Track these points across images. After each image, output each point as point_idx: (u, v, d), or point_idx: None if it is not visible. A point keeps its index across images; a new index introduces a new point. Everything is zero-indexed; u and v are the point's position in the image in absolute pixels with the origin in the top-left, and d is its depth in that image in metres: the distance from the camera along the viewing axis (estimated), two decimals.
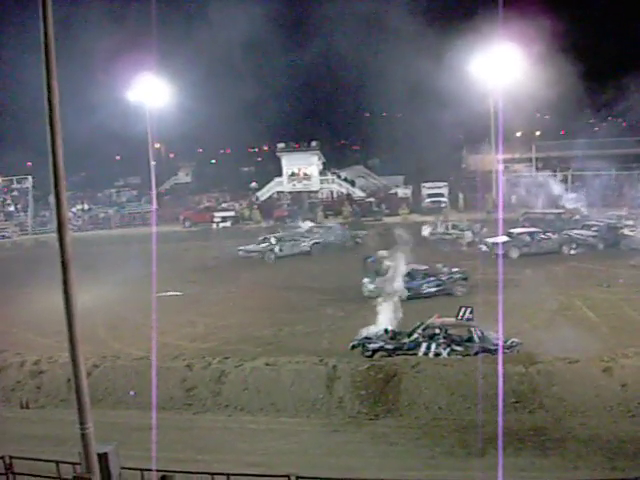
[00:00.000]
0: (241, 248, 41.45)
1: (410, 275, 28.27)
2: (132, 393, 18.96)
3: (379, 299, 24.24)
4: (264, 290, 32.79)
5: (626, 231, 39.12)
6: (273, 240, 41.45)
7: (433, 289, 29.41)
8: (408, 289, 27.34)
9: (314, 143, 61.98)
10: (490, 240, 38.11)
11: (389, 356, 20.23)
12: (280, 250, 40.71)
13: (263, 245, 41.31)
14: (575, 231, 39.97)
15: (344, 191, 59.92)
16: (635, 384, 17.12)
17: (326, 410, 17.55)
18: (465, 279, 30.05)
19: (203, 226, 55.31)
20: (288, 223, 49.77)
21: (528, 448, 15.08)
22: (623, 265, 34.37)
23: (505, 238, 37.42)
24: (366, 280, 29.72)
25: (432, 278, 29.61)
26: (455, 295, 29.11)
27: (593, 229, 40.00)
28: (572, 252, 38.00)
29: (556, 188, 51.18)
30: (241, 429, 17.02)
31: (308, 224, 46.64)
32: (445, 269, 30.64)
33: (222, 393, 18.58)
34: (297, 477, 12.01)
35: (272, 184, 63.70)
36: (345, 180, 61.56)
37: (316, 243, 41.66)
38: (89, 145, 59.59)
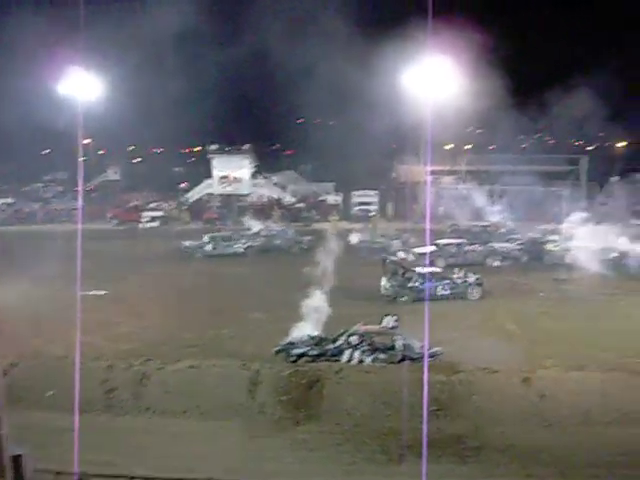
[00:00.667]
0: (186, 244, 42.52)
1: (424, 277, 29.86)
2: (50, 393, 18.46)
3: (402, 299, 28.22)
4: (190, 292, 32.35)
5: (549, 246, 40.20)
6: (206, 238, 41.24)
7: (447, 292, 30.44)
8: (422, 291, 28.82)
9: (246, 146, 61.75)
10: (417, 250, 38.65)
11: (313, 362, 20.23)
12: (213, 249, 40.50)
13: (195, 243, 41.63)
14: (500, 244, 40.88)
15: (275, 196, 59.87)
16: (552, 395, 17.63)
17: (248, 415, 17.45)
18: (480, 284, 31.18)
19: (131, 225, 54.43)
20: (223, 225, 49.60)
21: (447, 455, 15.33)
22: (545, 278, 35.30)
23: (432, 248, 38.00)
24: (384, 280, 30.58)
25: (447, 281, 30.76)
26: (469, 299, 30.44)
27: (518, 242, 41.01)
28: (496, 264, 38.84)
29: (483, 201, 52.24)
30: (162, 432, 16.78)
31: (259, 225, 46.48)
32: (460, 273, 31.82)
33: (143, 395, 18.30)
34: None
35: (202, 186, 63.16)
36: (276, 185, 61.55)
37: (250, 246, 41.39)
38: (16, 137, 57.90)
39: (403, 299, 29.62)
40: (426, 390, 16.91)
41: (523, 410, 17.26)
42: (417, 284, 30.08)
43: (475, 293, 30.97)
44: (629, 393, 17.81)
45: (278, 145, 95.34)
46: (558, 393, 17.69)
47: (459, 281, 31.14)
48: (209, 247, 41.18)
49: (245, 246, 42.08)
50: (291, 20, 54.32)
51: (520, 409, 17.28)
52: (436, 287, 30.13)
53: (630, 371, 18.85)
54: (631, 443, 16.06)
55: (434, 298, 28.76)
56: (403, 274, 30.99)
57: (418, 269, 30.85)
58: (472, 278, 31.47)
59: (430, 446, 15.22)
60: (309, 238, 43.44)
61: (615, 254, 37.16)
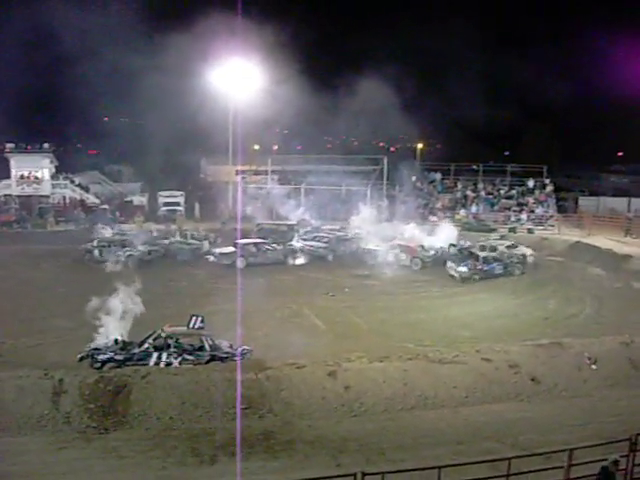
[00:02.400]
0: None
1: (486, 259, 36.33)
2: None
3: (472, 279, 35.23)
4: None
5: (358, 244, 41.82)
6: (95, 242, 39.17)
7: (501, 270, 36.40)
8: (486, 271, 35.92)
9: (46, 145, 58.62)
10: (217, 250, 38.82)
11: (119, 367, 19.68)
12: (100, 255, 38.21)
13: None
14: (307, 242, 41.82)
15: (77, 197, 57.36)
16: (357, 386, 18.28)
17: (52, 426, 16.55)
18: (521, 263, 37.72)
19: None
20: (22, 228, 46.25)
21: (258, 452, 15.43)
22: (348, 275, 36.62)
23: (231, 249, 38.30)
24: (451, 264, 36.66)
25: (500, 262, 36.72)
26: (514, 275, 36.53)
27: (324, 240, 42.14)
28: (296, 262, 39.68)
29: (289, 200, 53.16)
30: None
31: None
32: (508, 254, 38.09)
33: None
34: None
35: None
36: (79, 186, 58.98)
37: (130, 255, 38.64)
38: None
39: None
40: (238, 389, 17.06)
41: (330, 402, 17.74)
42: None
43: (517, 271, 37.07)
44: (427, 379, 18.87)
45: (82, 144, 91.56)
46: (362, 383, 18.36)
47: (507, 261, 37.28)
48: (96, 252, 38.70)
49: (126, 255, 38.60)
50: (96, 18, 52.66)
51: (327, 401, 17.75)
52: (494, 267, 36.53)
53: (428, 359, 19.96)
54: (431, 425, 17.07)
55: (492, 276, 36.02)
56: None
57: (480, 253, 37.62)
58: (515, 259, 37.78)
59: (241, 444, 15.32)
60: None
61: (432, 252, 39.31)
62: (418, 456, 14.97)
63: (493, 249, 38.69)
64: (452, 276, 36.33)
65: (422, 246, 39.54)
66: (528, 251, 39.93)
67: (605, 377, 20.07)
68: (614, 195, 60.39)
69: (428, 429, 16.80)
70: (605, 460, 11.90)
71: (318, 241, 42.28)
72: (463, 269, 36.10)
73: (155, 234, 43.42)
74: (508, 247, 39.69)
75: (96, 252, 38.85)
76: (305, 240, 42.35)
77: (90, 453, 15.47)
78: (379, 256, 38.69)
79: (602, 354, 20.73)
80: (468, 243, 41.01)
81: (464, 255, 38.35)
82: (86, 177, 62.56)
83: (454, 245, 40.52)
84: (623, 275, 35.94)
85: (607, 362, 20.47)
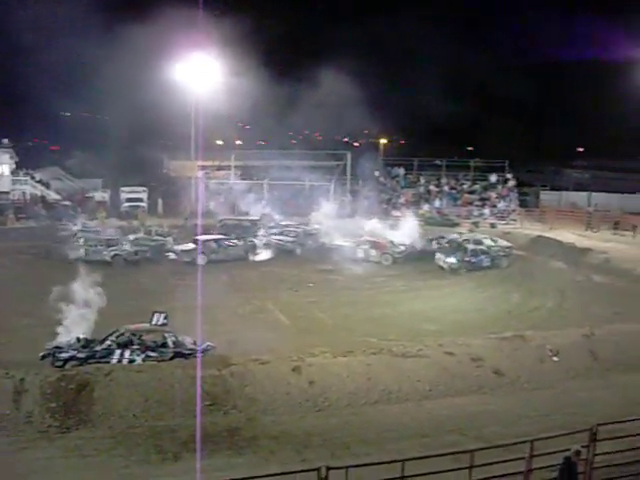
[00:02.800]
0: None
1: (474, 252, 37.47)
2: None
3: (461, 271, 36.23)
4: None
5: (324, 239, 41.89)
6: (81, 241, 38.23)
7: (489, 263, 37.65)
8: (474, 263, 37.11)
9: (5, 140, 57.70)
10: (178, 247, 38.47)
11: (81, 365, 19.42)
12: (86, 254, 37.24)
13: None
14: (275, 236, 41.74)
15: (38, 193, 56.51)
16: (321, 381, 18.27)
17: (13, 427, 16.22)
18: (507, 255, 38.82)
19: None
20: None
21: (223, 449, 15.33)
22: (313, 270, 36.63)
23: (192, 245, 38.02)
24: (440, 255, 38.01)
25: (487, 254, 38.05)
26: (501, 267, 37.80)
27: (292, 235, 42.09)
28: (258, 258, 39.56)
29: (253, 196, 53.02)
30: None
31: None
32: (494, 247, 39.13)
33: None
34: None
35: None
36: (40, 182, 58.10)
37: (117, 255, 37.74)
38: None
39: None
40: (199, 385, 16.95)
41: (294, 397, 17.70)
42: None
43: (504, 263, 38.49)
44: (391, 373, 18.93)
45: (42, 140, 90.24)
46: (326, 378, 18.37)
47: (494, 254, 38.42)
48: (81, 251, 37.53)
49: (112, 254, 37.74)
50: (55, 11, 51.97)
51: (291, 396, 17.72)
52: (482, 260, 37.84)
53: (391, 353, 20.04)
54: (395, 419, 17.12)
55: (480, 268, 37.67)
56: None
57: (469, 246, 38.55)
58: (502, 252, 38.79)
59: (205, 441, 15.24)
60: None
61: (403, 247, 39.46)
62: (382, 450, 15.01)
63: (478, 242, 39.24)
64: (441, 267, 37.51)
65: (392, 242, 39.74)
66: (507, 244, 40.66)
67: (567, 369, 20.34)
68: (575, 190, 61.25)
69: (392, 423, 16.85)
70: (567, 450, 12.04)
71: (286, 235, 42.24)
72: (452, 260, 37.18)
73: (141, 234, 42.34)
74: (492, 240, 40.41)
75: (82, 251, 37.85)
76: (273, 234, 42.27)
77: (52, 453, 15.22)
78: (348, 252, 38.81)
79: (564, 346, 21.01)
80: (456, 236, 41.83)
81: (453, 247, 39.19)
82: (47, 173, 61.67)
83: (442, 237, 41.32)
84: (584, 268, 36.54)
85: (569, 354, 20.75)
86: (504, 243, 40.59)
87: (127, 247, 38.44)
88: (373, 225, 43.06)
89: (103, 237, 39.65)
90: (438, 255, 38.30)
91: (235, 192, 55.41)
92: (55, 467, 14.58)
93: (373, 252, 38.95)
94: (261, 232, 42.77)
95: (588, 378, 20.07)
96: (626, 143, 70.21)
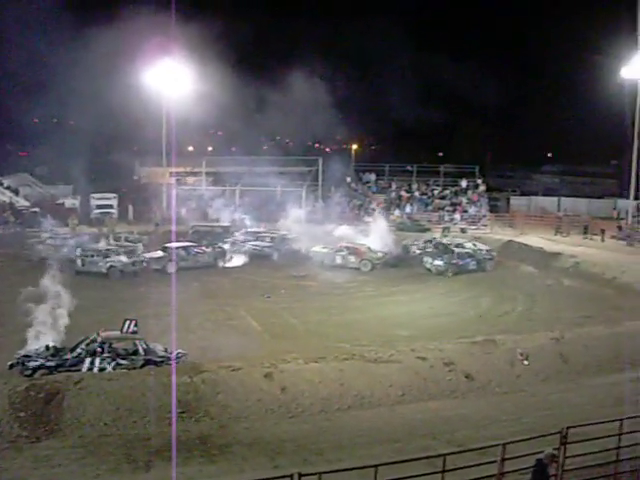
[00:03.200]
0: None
1: (460, 255, 38.06)
2: None
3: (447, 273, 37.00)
4: None
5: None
6: (78, 252, 37.41)
7: (475, 266, 38.33)
8: (461, 265, 37.86)
9: None
10: (147, 255, 38.13)
11: (51, 374, 19.19)
12: (82, 265, 36.57)
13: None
14: (251, 242, 41.61)
15: (7, 200, 55.85)
16: (293, 387, 18.25)
17: None
18: (492, 259, 39.47)
19: None
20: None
21: (195, 457, 15.24)
22: (285, 276, 36.61)
23: (161, 253, 37.79)
24: (427, 258, 38.67)
25: (473, 257, 38.66)
26: (486, 270, 38.47)
27: (267, 240, 42.00)
28: (228, 264, 39.43)
29: (224, 202, 52.89)
30: None
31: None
32: (480, 251, 39.62)
33: None
34: None
35: None
36: (8, 188, 57.41)
37: (112, 266, 36.47)
38: None
39: None
40: (174, 392, 16.83)
41: (266, 404, 17.65)
42: None
43: (489, 266, 39.13)
44: (363, 379, 18.96)
45: (11, 146, 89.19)
46: (299, 384, 18.34)
47: (480, 257, 39.16)
48: (78, 262, 36.73)
49: (107, 265, 36.54)
50: (26, 15, 51.46)
51: (264, 403, 17.66)
52: (468, 263, 38.56)
53: (364, 359, 20.05)
54: (368, 424, 17.14)
55: (466, 271, 38.40)
56: None
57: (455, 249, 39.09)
58: (488, 255, 39.61)
59: (178, 449, 15.12)
60: None
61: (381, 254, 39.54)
62: (355, 455, 15.03)
63: (460, 246, 39.67)
64: (429, 270, 38.17)
65: (369, 248, 39.81)
66: (489, 248, 41.15)
67: (537, 372, 20.54)
68: (545, 195, 61.92)
69: (365, 428, 16.87)
70: (540, 453, 12.12)
71: (262, 240, 42.15)
72: (439, 263, 37.92)
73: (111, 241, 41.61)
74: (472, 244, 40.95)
75: (79, 262, 36.96)
76: (249, 240, 42.18)
77: (22, 463, 15.01)
78: (324, 258, 38.83)
79: (534, 350, 21.20)
80: (444, 239, 42.44)
81: (440, 250, 39.65)
82: (15, 179, 60.95)
83: (430, 241, 41.88)
84: (554, 272, 36.92)
85: (539, 357, 20.95)
86: (485, 247, 40.96)
87: (123, 259, 37.23)
88: (345, 231, 43.16)
89: (100, 248, 38.50)
90: (425, 258, 38.85)
91: (206, 198, 55.25)
92: (25, 478, 14.39)
93: (352, 258, 38.83)
94: (232, 238, 42.62)
95: (558, 381, 20.29)
96: (595, 148, 71.09)
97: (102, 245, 39.31)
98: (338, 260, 39.04)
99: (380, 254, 39.60)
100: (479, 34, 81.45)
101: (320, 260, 39.02)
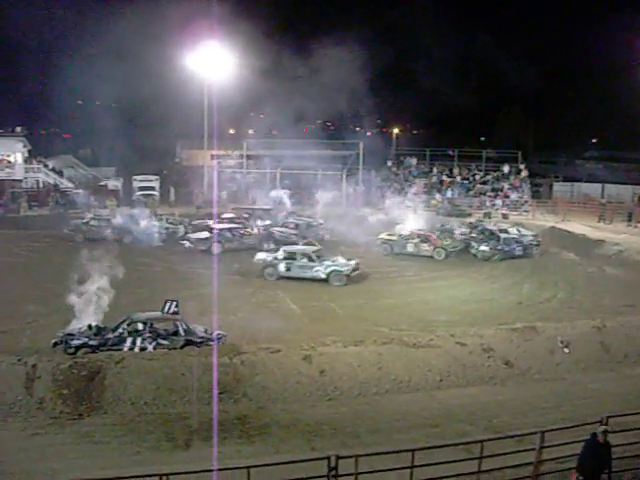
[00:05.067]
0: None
1: (507, 241, 38.00)
2: None
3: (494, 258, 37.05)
4: None
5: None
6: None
7: (521, 252, 38.12)
8: (507, 251, 37.64)
9: (19, 129, 58.06)
10: (193, 236, 38.45)
11: (93, 352, 19.55)
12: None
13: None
14: (277, 228, 41.52)
15: (51, 181, 56.72)
16: (332, 370, 18.32)
17: (26, 412, 16.40)
18: (538, 244, 39.06)
19: None
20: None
21: (233, 437, 15.41)
22: None
23: (207, 234, 37.99)
24: (473, 244, 38.55)
25: (520, 243, 38.42)
26: (532, 256, 38.23)
27: (292, 226, 41.92)
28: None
29: (266, 185, 53.03)
30: None
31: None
32: (525, 236, 39.43)
33: None
34: None
35: None
36: (53, 170, 58.29)
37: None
38: None
39: None
40: (215, 372, 17.03)
41: (305, 386, 17.76)
42: None
43: (535, 252, 38.75)
44: (402, 363, 18.94)
45: (55, 128, 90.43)
46: (337, 367, 18.41)
47: (526, 243, 38.69)
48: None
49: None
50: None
51: (302, 385, 17.77)
52: (514, 249, 38.22)
53: (403, 343, 20.02)
54: (406, 408, 17.15)
55: (513, 257, 37.82)
56: None
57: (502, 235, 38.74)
58: (534, 242, 39.13)
59: (216, 429, 15.29)
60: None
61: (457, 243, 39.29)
62: (392, 439, 15.06)
63: (504, 231, 39.39)
64: (475, 255, 38.06)
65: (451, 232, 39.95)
66: (534, 234, 40.68)
67: (577, 360, 20.30)
68: (588, 181, 60.91)
69: (402, 412, 16.88)
70: (577, 442, 12.01)
71: (287, 227, 42.00)
72: (484, 248, 37.75)
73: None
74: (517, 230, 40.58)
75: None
76: (275, 226, 42.05)
77: (64, 439, 15.36)
78: (395, 247, 38.51)
79: (575, 338, 20.94)
80: (492, 225, 41.88)
81: (486, 235, 39.43)
82: (60, 161, 61.91)
83: (476, 226, 41.44)
84: (596, 260, 36.37)
85: (579, 346, 20.69)
86: (530, 232, 40.51)
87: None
88: (387, 215, 42.98)
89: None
90: (472, 244, 38.70)
91: (248, 181, 55.45)
92: (67, 453, 14.70)
93: (425, 246, 37.87)
94: (274, 221, 42.68)
95: (599, 370, 20.04)
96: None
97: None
98: (409, 248, 38.06)
99: (457, 243, 38.97)
100: (524, 18, 79.94)
101: (389, 248, 38.77)
